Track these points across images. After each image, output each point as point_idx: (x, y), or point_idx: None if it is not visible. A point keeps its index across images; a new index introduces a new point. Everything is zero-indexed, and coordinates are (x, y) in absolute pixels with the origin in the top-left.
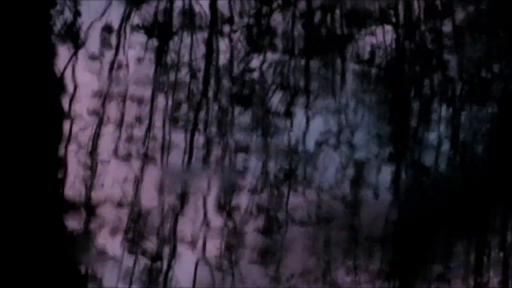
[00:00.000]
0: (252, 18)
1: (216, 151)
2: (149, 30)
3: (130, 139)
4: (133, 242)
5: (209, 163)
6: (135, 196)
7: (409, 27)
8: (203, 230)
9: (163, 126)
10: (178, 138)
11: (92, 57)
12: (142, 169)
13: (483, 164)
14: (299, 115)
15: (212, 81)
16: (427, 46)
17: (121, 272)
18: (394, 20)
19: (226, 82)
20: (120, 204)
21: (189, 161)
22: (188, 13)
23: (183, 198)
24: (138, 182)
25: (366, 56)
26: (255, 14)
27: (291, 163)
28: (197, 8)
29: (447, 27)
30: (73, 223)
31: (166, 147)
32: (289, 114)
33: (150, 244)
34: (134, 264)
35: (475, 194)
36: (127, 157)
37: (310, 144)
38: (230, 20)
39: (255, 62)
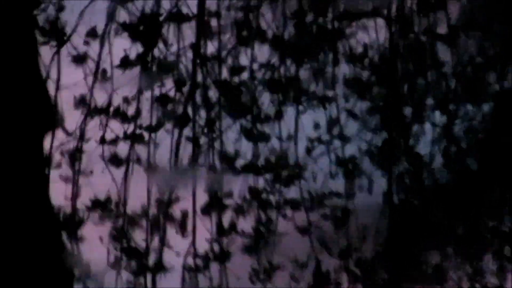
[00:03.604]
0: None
1: (204, 156)
2: (134, 29)
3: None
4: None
5: (196, 168)
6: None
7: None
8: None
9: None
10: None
11: (76, 56)
12: (126, 177)
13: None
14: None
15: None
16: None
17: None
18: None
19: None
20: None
21: (176, 164)
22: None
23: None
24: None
25: (359, 52)
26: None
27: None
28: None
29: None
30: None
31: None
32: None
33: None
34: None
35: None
36: (113, 160)
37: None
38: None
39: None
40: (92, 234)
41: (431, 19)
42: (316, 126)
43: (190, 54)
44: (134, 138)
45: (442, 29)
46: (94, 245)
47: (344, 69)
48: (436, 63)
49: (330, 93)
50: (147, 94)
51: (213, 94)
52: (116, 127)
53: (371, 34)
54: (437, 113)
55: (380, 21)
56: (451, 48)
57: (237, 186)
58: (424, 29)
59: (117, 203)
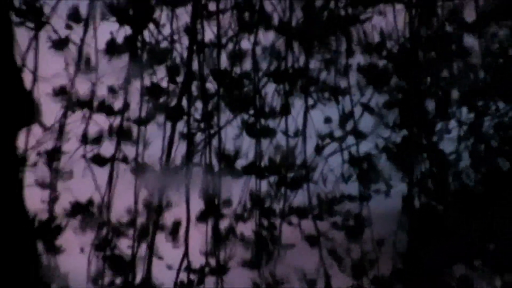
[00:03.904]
0: None
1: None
2: (123, 13)
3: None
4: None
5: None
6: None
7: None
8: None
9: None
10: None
11: (57, 41)
12: (111, 179)
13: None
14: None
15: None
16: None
17: None
18: None
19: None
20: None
21: (167, 164)
22: None
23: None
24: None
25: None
26: None
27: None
28: None
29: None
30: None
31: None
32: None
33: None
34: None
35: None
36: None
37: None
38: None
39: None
40: (71, 243)
41: (456, 4)
42: (327, 121)
43: (185, 40)
44: (120, 135)
45: (469, 16)
46: (73, 256)
47: (358, 59)
48: (462, 53)
49: (343, 84)
50: (136, 85)
51: (211, 84)
52: (100, 122)
53: (389, 20)
54: (464, 109)
55: (399, 6)
56: (479, 37)
57: (237, 190)
58: (449, 15)
59: (101, 208)
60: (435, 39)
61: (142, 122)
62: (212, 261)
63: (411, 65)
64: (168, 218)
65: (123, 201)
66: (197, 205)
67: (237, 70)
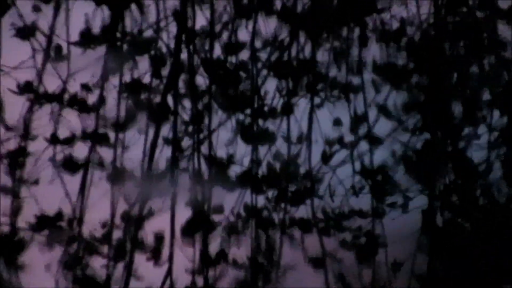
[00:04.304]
0: None
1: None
2: None
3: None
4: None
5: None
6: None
7: None
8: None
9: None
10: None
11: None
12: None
13: None
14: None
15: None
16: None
17: None
18: None
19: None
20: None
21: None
22: None
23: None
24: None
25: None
26: None
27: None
28: None
29: None
30: None
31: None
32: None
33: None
34: None
35: None
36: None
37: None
38: None
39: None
40: (37, 260)
41: None
42: (337, 123)
43: (173, 27)
44: (95, 137)
45: (504, 3)
46: (39, 275)
47: (374, 51)
48: (495, 45)
49: (355, 81)
50: (114, 80)
51: (202, 79)
52: (72, 122)
53: (410, 6)
54: (495, 112)
55: None
56: None
57: (229, 202)
58: (480, 1)
59: (71, 220)
60: (464, 28)
61: (120, 124)
62: (200, 281)
63: (435, 59)
64: (149, 232)
65: (98, 212)
66: (183, 217)
67: (232, 62)
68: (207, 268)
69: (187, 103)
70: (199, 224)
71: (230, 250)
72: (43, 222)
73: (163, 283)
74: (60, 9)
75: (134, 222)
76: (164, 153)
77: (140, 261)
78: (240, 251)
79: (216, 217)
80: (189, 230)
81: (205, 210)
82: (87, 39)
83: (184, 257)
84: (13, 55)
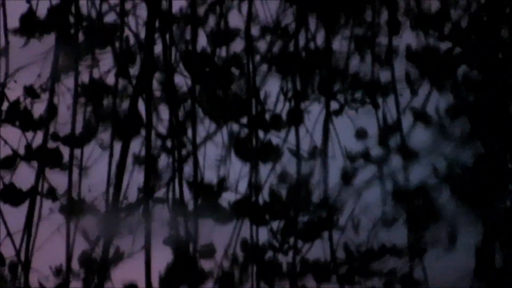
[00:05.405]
0: None
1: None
2: None
3: None
4: None
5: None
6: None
7: None
8: None
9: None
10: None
11: None
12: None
13: None
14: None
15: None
16: None
17: None
18: None
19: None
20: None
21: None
22: None
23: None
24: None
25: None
26: None
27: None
28: None
29: None
30: None
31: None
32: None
33: None
34: None
35: None
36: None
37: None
38: None
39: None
40: None
41: None
42: (360, 135)
43: (142, 10)
44: (44, 156)
45: None
46: None
47: (407, 41)
48: None
49: (384, 78)
50: (67, 82)
51: (182, 78)
52: (13, 137)
53: None
54: None
55: None
56: None
57: (222, 239)
58: None
59: (14, 266)
60: None
61: (77, 140)
62: None
63: (489, 49)
64: (118, 283)
65: (49, 256)
66: (162, 262)
67: (222, 55)
68: None
69: (164, 110)
70: (183, 272)
71: None
72: None
73: None
74: None
75: (97, 268)
76: (135, 177)
77: None
78: None
79: (205, 263)
80: (170, 282)
81: (191, 252)
82: (30, 26)
83: None
84: None
